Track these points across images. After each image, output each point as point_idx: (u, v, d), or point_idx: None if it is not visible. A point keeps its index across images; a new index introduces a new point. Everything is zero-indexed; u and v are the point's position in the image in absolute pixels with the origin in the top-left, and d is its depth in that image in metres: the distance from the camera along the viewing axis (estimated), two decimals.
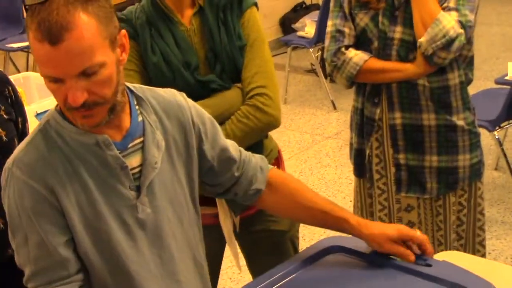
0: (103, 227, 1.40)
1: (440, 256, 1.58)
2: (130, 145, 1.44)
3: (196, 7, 1.90)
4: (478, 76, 2.35)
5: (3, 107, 1.74)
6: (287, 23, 6.34)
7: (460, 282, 1.46)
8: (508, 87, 3.47)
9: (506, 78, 3.62)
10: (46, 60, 1.29)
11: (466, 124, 2.17)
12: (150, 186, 1.45)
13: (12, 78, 1.92)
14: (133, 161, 1.44)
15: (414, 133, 2.18)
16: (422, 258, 1.57)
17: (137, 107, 1.47)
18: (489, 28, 6.23)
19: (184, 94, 1.57)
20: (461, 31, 2.03)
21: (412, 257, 1.56)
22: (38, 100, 3.17)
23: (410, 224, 2.23)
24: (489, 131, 3.51)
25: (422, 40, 2.05)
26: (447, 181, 2.20)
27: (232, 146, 1.63)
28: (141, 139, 1.45)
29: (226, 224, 1.90)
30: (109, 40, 1.34)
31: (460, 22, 2.04)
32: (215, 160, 1.59)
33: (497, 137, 3.64)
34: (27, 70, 5.41)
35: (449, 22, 2.03)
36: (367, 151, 2.26)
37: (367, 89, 2.23)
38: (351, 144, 2.35)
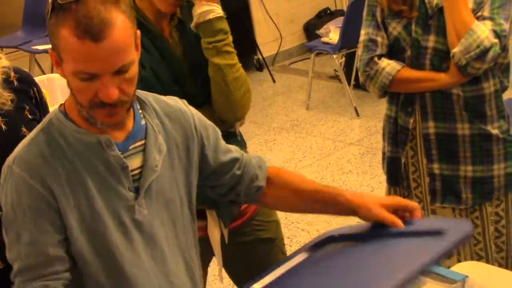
0: (100, 227, 1.41)
1: (462, 267, 1.56)
2: (132, 146, 1.46)
3: (175, 20, 1.88)
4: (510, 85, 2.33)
5: (27, 107, 1.76)
6: (311, 29, 6.32)
7: (438, 227, 1.42)
8: None
9: None
10: (86, 57, 1.31)
11: (500, 133, 2.14)
12: (148, 188, 1.46)
13: (37, 79, 1.93)
14: (134, 162, 1.45)
15: (448, 142, 2.15)
16: (409, 222, 1.52)
17: (140, 111, 1.49)
18: None
19: (186, 102, 1.59)
20: (496, 40, 2.00)
21: (401, 224, 1.51)
22: (61, 101, 3.21)
23: None
24: None
25: (456, 50, 2.02)
26: (482, 190, 2.16)
27: (234, 148, 1.66)
28: (143, 141, 1.47)
29: (214, 235, 1.89)
30: (134, 39, 1.38)
31: (494, 31, 2.01)
32: (218, 163, 1.61)
33: None
34: (51, 71, 5.45)
35: (483, 32, 1.99)
36: (403, 160, 2.23)
37: (401, 98, 2.20)
38: (383, 153, 2.33)
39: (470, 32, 1.99)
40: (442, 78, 2.10)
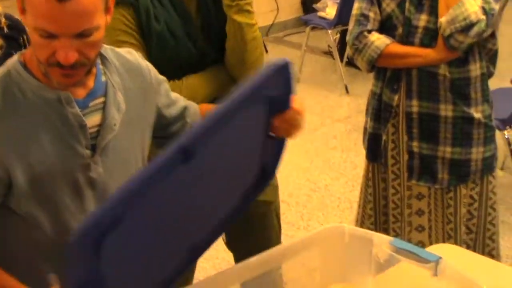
0: (50, 183, 1.40)
1: (435, 249, 1.58)
2: (92, 103, 1.44)
3: None
4: (495, 74, 2.36)
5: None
6: (308, 3, 6.30)
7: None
8: None
9: None
10: (48, 15, 1.27)
11: (483, 117, 2.16)
12: (105, 146, 1.45)
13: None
14: (93, 120, 1.43)
15: (430, 122, 2.17)
16: None
17: (101, 66, 1.46)
18: None
19: (141, 54, 1.58)
20: (483, 17, 2.02)
21: None
22: None
23: (420, 212, 2.25)
24: (499, 130, 3.50)
25: (443, 20, 2.04)
26: (459, 173, 2.19)
27: (178, 96, 1.66)
28: (103, 99, 1.45)
29: None
30: (104, 4, 1.34)
31: (483, 8, 2.03)
32: (172, 115, 1.61)
33: (506, 136, 3.62)
34: None
35: (472, 6, 2.02)
36: (384, 137, 2.25)
37: (387, 74, 2.21)
38: (365, 128, 2.35)
39: (459, 4, 2.02)
40: (429, 54, 2.11)
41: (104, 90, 1.46)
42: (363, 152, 2.43)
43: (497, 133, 3.44)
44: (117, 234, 1.11)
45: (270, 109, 1.40)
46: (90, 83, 1.44)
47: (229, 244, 2.11)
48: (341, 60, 5.25)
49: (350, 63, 5.05)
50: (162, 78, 1.60)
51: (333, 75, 5.41)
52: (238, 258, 2.06)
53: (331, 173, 4.02)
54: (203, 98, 1.84)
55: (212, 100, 1.87)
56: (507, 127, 3.52)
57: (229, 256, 2.29)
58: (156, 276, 1.30)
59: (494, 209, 2.28)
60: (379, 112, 2.25)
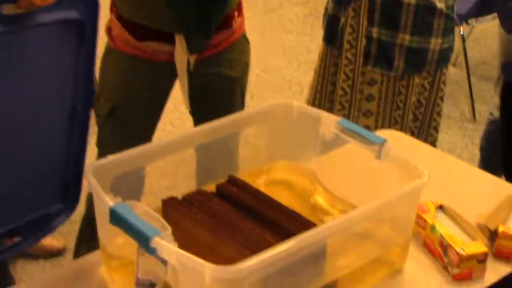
0: None
1: (381, 134, 1.59)
2: None
3: None
4: None
5: None
6: None
7: None
8: None
9: None
10: None
11: (445, 8, 2.14)
12: None
13: None
14: None
15: (392, 8, 2.13)
16: None
17: None
18: None
19: None
20: None
21: None
22: None
23: (370, 98, 2.25)
24: (456, 25, 3.50)
25: None
26: (415, 62, 2.19)
27: None
28: None
29: (181, 61, 1.89)
30: None
31: None
32: None
33: (462, 32, 3.64)
34: None
35: None
36: (342, 19, 2.23)
37: None
38: (326, 9, 2.31)
39: None
40: None
41: None
42: (318, 38, 2.41)
43: None
44: None
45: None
46: None
47: (192, 114, 2.11)
48: None
49: None
50: None
51: None
52: None
53: (284, 56, 4.00)
54: None
55: None
56: (463, 22, 3.52)
57: None
58: None
59: (442, 101, 2.31)
60: None
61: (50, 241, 2.65)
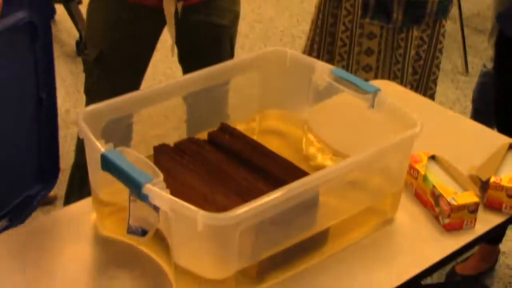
0: None
1: (376, 84, 1.58)
2: None
3: None
4: None
5: None
6: None
7: None
8: None
9: None
10: None
11: None
12: None
13: None
14: None
15: None
16: None
17: None
18: None
19: None
20: None
21: None
22: None
23: (370, 52, 2.24)
24: None
25: None
26: (414, 14, 2.16)
27: None
28: None
29: (169, 7, 1.87)
30: None
31: None
32: None
33: None
34: None
35: None
36: None
37: None
38: None
39: None
40: None
41: None
42: None
43: None
44: None
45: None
46: None
47: (180, 62, 2.09)
48: None
49: None
50: None
51: None
52: None
53: (277, 6, 3.96)
54: None
55: None
56: None
57: None
58: None
59: (441, 54, 2.29)
60: None
61: None
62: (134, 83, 1.99)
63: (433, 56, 2.27)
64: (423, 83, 2.29)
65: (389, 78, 2.23)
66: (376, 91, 1.38)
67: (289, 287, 1.24)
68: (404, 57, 2.22)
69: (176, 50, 1.99)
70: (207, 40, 2.00)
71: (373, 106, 1.39)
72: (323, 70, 1.46)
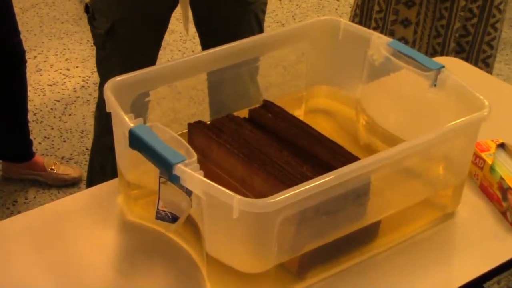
0: None
1: (438, 60, 1.56)
2: None
3: None
4: None
5: None
6: None
7: None
8: None
9: None
10: None
11: None
12: None
13: None
14: None
15: None
16: None
17: None
18: None
19: None
20: None
21: None
22: None
23: (406, 22, 2.18)
24: None
25: None
26: None
27: None
28: None
29: None
30: None
31: None
32: None
33: None
34: None
35: None
36: None
37: None
38: None
39: None
40: None
41: None
42: None
43: None
44: None
45: None
46: None
47: (202, 37, 2.09)
48: None
49: None
50: None
51: None
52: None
53: None
54: None
55: None
56: None
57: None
58: None
59: (496, 30, 2.20)
60: None
61: (63, 169, 2.69)
62: (150, 55, 2.00)
63: (484, 32, 2.19)
64: (471, 63, 2.23)
65: (427, 54, 2.17)
66: (439, 68, 1.36)
67: (333, 286, 1.23)
68: (446, 30, 2.15)
69: (190, 29, 1.98)
70: (227, 20, 1.99)
71: (435, 85, 1.37)
72: (380, 42, 1.44)
